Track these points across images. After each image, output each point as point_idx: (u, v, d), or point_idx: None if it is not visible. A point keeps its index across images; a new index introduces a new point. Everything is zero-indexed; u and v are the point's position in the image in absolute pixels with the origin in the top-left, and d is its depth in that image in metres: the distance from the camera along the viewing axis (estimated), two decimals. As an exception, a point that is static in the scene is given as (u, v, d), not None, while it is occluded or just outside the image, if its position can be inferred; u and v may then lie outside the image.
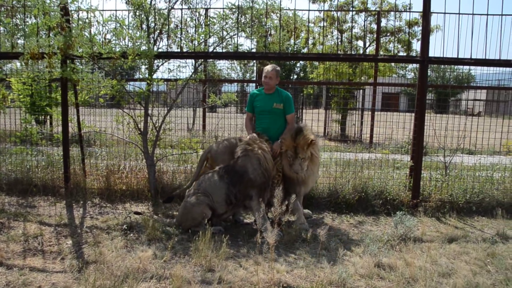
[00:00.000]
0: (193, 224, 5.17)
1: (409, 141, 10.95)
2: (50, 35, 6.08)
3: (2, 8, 5.40)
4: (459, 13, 6.45)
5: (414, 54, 15.41)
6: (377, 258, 4.28)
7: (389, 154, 8.86)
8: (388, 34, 16.50)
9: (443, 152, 7.51)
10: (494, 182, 7.02)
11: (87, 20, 6.02)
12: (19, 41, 6.51)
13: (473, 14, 6.44)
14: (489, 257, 4.56)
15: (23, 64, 5.85)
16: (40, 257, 4.43)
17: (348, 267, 4.18)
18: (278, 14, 6.72)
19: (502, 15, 6.35)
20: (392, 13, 16.37)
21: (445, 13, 6.69)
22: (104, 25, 5.85)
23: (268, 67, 5.69)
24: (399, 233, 5.01)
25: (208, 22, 6.55)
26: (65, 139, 6.75)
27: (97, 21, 6.10)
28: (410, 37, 16.12)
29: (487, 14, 6.36)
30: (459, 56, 6.33)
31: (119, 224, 5.43)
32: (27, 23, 6.26)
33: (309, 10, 13.71)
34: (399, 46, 17.03)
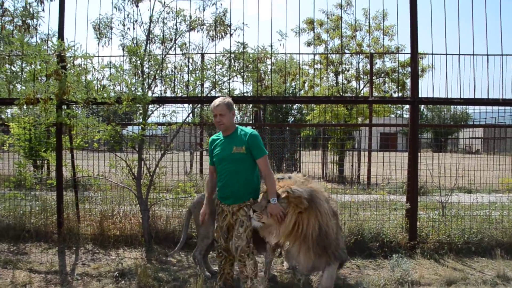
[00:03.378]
0: None
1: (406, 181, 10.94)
2: (49, 80, 6.19)
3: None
4: (446, 54, 6.59)
5: (409, 93, 15.64)
6: (373, 303, 4.17)
7: (386, 195, 8.83)
8: (383, 75, 16.78)
9: (439, 192, 7.46)
10: (492, 221, 6.94)
11: (83, 67, 6.13)
12: (18, 87, 6.62)
13: (459, 54, 6.57)
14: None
15: (20, 109, 5.92)
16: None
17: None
18: (270, 60, 6.86)
19: (487, 55, 6.49)
20: (387, 54, 16.72)
21: (432, 54, 6.85)
22: (100, 71, 5.96)
23: (215, 102, 4.37)
24: (396, 277, 4.91)
25: (202, 67, 6.69)
26: (59, 184, 6.72)
27: (93, 67, 6.23)
28: (404, 78, 16.38)
29: (473, 55, 6.51)
30: (450, 96, 6.43)
31: (111, 271, 5.34)
32: (25, 70, 6.39)
33: (300, 54, 14.08)
34: (394, 86, 17.29)
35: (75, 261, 5.87)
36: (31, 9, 5.32)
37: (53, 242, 6.62)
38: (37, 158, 12.18)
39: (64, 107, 6.31)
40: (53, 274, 5.29)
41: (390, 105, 17.33)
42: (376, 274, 5.31)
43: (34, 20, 5.58)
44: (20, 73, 6.31)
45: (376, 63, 16.87)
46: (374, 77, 16.06)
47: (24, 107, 6.04)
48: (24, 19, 5.30)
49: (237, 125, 4.51)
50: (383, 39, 16.72)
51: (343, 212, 7.01)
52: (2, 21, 5.62)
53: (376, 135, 15.38)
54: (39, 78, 6.37)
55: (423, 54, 12.63)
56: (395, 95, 17.08)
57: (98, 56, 6.50)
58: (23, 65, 6.34)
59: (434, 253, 6.12)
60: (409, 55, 6.61)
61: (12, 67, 5.97)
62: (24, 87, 5.60)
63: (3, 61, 5.32)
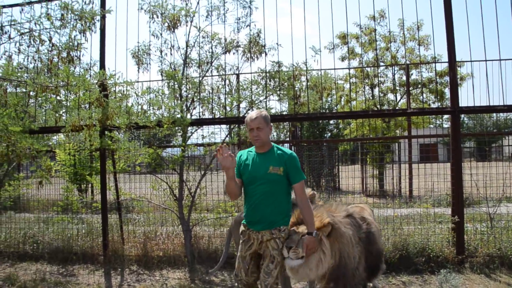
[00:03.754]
0: None
1: (450, 193, 10.62)
2: (92, 108, 6.45)
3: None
4: (486, 60, 6.44)
5: (448, 103, 15.29)
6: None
7: (430, 207, 8.59)
8: (419, 86, 16.49)
9: (486, 203, 7.20)
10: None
11: (124, 93, 6.36)
12: (63, 116, 6.94)
13: (500, 59, 6.40)
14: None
15: (65, 136, 6.18)
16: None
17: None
18: (305, 77, 6.89)
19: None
20: (423, 65, 16.46)
21: (471, 61, 6.71)
22: (140, 96, 6.17)
23: (252, 114, 3.88)
24: (444, 293, 4.75)
25: (238, 88, 6.80)
26: (104, 206, 6.94)
27: (134, 93, 6.46)
28: (442, 87, 16.05)
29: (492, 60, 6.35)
30: (492, 103, 6.25)
31: (155, 292, 5.42)
32: (69, 99, 6.69)
33: (335, 69, 14.02)
34: (432, 96, 16.95)
35: (120, 282, 6.01)
36: (75, 42, 5.58)
37: (99, 263, 6.80)
38: (81, 183, 12.61)
39: (107, 132, 6.55)
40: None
41: (429, 116, 16.97)
42: (423, 290, 5.17)
43: (77, 51, 5.84)
44: (65, 102, 6.61)
45: (412, 73, 16.60)
46: (410, 88, 15.80)
47: (70, 134, 6.32)
48: (69, 51, 5.57)
49: (272, 143, 4.03)
50: (419, 49, 16.47)
51: (386, 227, 6.87)
52: (50, 55, 5.92)
53: (415, 147, 15.04)
54: (83, 106, 6.66)
55: (461, 62, 12.36)
56: (433, 105, 16.73)
57: (138, 81, 6.72)
58: (68, 94, 6.65)
59: (484, 267, 5.89)
60: (447, 64, 6.49)
61: (58, 97, 6.25)
62: (69, 115, 5.84)
63: (51, 92, 5.58)
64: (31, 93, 6.37)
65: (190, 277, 6.11)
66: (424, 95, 17.49)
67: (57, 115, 6.47)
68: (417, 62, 15.14)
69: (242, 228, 3.93)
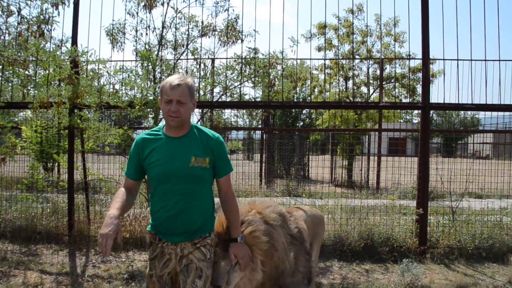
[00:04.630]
0: None
1: (416, 186, 10.90)
2: (62, 85, 6.29)
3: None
4: (457, 59, 6.58)
5: (419, 99, 15.62)
6: (382, 309, 4.18)
7: (396, 199, 8.80)
8: (392, 80, 16.76)
9: (449, 197, 7.44)
10: (504, 226, 6.91)
11: (96, 71, 6.22)
12: (31, 92, 6.73)
13: (471, 60, 6.58)
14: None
15: (33, 112, 6.01)
16: None
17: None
18: (281, 65, 6.90)
19: (500, 60, 6.48)
20: (397, 60, 16.72)
21: (444, 59, 6.86)
22: (113, 76, 6.05)
23: (173, 79, 2.77)
24: (405, 282, 4.91)
25: (213, 72, 6.75)
26: (70, 186, 6.80)
27: (107, 72, 6.33)
28: (414, 83, 16.37)
29: (485, 60, 6.52)
30: (461, 101, 6.43)
31: (121, 273, 5.39)
32: (39, 75, 6.49)
33: (311, 59, 14.04)
34: (404, 92, 17.27)
35: (85, 263, 5.93)
36: (46, 15, 5.40)
37: (63, 244, 6.69)
38: (48, 161, 12.33)
39: (77, 111, 6.40)
40: (64, 276, 5.36)
41: (400, 110, 17.31)
42: (385, 279, 5.32)
43: (49, 25, 5.66)
44: (34, 77, 6.41)
45: (386, 68, 16.85)
46: (384, 83, 16.05)
47: (38, 111, 6.14)
48: (39, 24, 5.39)
49: (192, 122, 2.98)
50: (394, 45, 16.72)
51: (352, 217, 7.00)
52: (20, 28, 5.72)
53: (385, 140, 15.36)
54: (52, 83, 6.47)
55: (434, 60, 12.61)
56: (405, 100, 17.06)
57: (111, 61, 6.58)
58: (38, 69, 6.45)
59: (444, 258, 6.10)
60: (420, 60, 6.61)
61: (26, 72, 6.06)
62: (37, 92, 5.67)
63: (19, 66, 5.40)
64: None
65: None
66: (397, 90, 17.81)
67: (24, 90, 6.28)
68: (392, 57, 15.36)
69: (149, 239, 2.94)
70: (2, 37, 6.12)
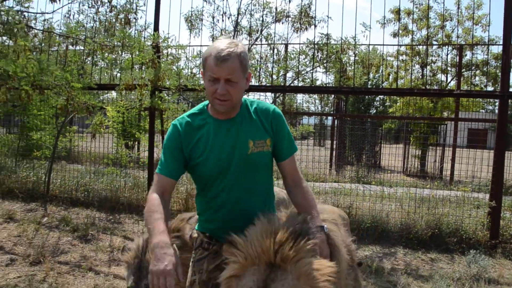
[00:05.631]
0: None
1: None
2: (143, 69, 6.80)
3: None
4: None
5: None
6: (444, 294, 4.23)
7: (469, 191, 8.54)
8: (473, 68, 15.96)
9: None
10: None
11: (176, 56, 6.66)
12: (117, 74, 7.35)
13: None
14: None
15: (119, 93, 6.58)
16: (122, 267, 4.90)
17: (413, 301, 4.17)
18: (353, 51, 6.94)
19: None
20: (478, 46, 15.91)
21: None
22: (191, 60, 6.45)
23: (219, 47, 2.06)
24: (472, 273, 4.87)
25: (286, 57, 6.95)
26: (151, 162, 7.37)
27: (186, 56, 6.75)
28: (497, 71, 15.48)
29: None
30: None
31: (194, 244, 5.82)
32: (123, 59, 7.06)
33: (383, 45, 13.68)
34: (485, 80, 16.39)
35: (162, 233, 6.45)
36: (133, 4, 5.88)
37: (143, 215, 7.27)
38: (129, 140, 13.25)
39: (157, 93, 6.89)
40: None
41: (480, 99, 16.50)
42: (450, 268, 5.29)
43: (135, 13, 6.15)
44: (119, 61, 6.98)
45: (466, 55, 16.06)
46: (463, 70, 15.34)
47: (123, 92, 6.71)
48: (127, 13, 5.88)
49: (244, 97, 2.38)
50: (475, 29, 15.85)
51: (421, 206, 6.94)
52: (109, 16, 6.27)
53: (463, 130, 14.71)
54: (136, 67, 7.01)
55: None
56: (489, 89, 16.20)
57: (190, 45, 6.99)
58: (124, 54, 7.01)
59: (517, 254, 5.92)
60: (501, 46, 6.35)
61: (113, 56, 6.62)
62: (123, 75, 6.20)
63: (107, 51, 5.94)
64: (87, 51, 6.79)
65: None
66: (477, 78, 16.94)
67: (112, 73, 6.86)
68: (471, 44, 14.63)
69: (198, 240, 2.40)
70: (94, 25, 6.74)
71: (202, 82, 6.41)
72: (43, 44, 6.59)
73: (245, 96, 2.37)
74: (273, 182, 2.38)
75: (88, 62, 7.28)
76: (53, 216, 6.75)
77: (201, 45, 10.12)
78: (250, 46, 7.07)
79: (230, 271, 1.83)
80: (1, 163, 9.26)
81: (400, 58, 16.84)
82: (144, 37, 6.96)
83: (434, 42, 16.70)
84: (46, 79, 4.67)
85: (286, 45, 8.89)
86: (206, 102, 2.32)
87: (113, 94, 10.79)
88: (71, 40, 5.89)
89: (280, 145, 2.31)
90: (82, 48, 6.94)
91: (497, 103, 18.20)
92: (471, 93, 7.90)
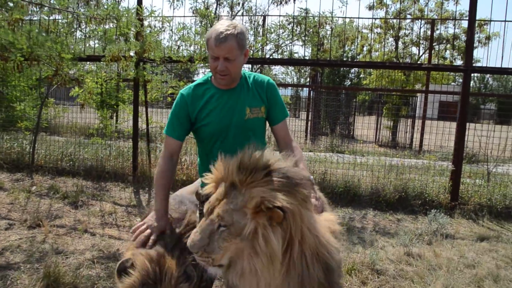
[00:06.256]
0: None
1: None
2: (128, 41, 6.98)
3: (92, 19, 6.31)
4: (505, 21, 6.71)
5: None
6: (408, 248, 4.75)
7: (435, 160, 9.13)
8: (444, 42, 16.50)
9: (487, 160, 7.74)
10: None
11: (160, 29, 6.86)
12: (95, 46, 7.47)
13: (505, 21, 6.68)
14: (517, 255, 4.88)
15: (104, 65, 6.75)
16: (115, 229, 5.25)
17: (380, 253, 4.67)
18: (330, 25, 7.27)
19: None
20: (449, 21, 16.38)
21: (491, 20, 6.98)
22: (176, 33, 6.67)
23: (218, 30, 2.42)
24: (432, 229, 5.42)
25: (265, 30, 7.23)
26: (135, 132, 7.64)
27: (170, 29, 6.96)
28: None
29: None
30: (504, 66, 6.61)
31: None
32: (108, 31, 7.20)
33: (359, 18, 13.99)
34: (456, 54, 16.98)
35: (149, 199, 6.80)
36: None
37: (128, 182, 7.58)
38: (106, 111, 13.37)
39: (141, 64, 7.10)
40: (132, 207, 6.23)
41: (450, 73, 17.12)
42: (414, 226, 5.84)
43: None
44: (106, 33, 7.12)
45: (438, 29, 16.56)
46: (434, 44, 15.86)
47: (109, 63, 6.89)
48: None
49: (243, 70, 2.74)
50: (446, 3, 16.30)
51: (390, 172, 7.47)
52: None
53: (434, 103, 15.34)
54: (121, 39, 7.17)
55: (482, 20, 12.36)
56: (458, 63, 16.80)
57: (174, 17, 7.17)
58: (108, 26, 7.14)
59: (473, 214, 6.50)
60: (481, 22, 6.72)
61: (101, 27, 6.76)
62: (110, 46, 6.38)
63: (97, 23, 6.11)
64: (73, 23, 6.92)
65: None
66: (448, 52, 17.51)
67: (92, 44, 7.01)
68: (442, 18, 15.10)
69: (205, 194, 2.18)
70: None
71: (186, 54, 6.66)
72: (35, 18, 6.71)
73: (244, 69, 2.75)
74: (266, 145, 2.52)
75: (75, 34, 7.41)
76: (41, 185, 6.99)
77: (184, 16, 10.19)
78: (231, 18, 7.30)
79: (206, 189, 2.11)
80: (-18, 134, 9.34)
81: (375, 31, 17.23)
82: (127, 8, 7.10)
83: (408, 16, 17.12)
84: (40, 51, 4.84)
85: (265, 17, 9.15)
86: (210, 74, 2.68)
87: (91, 66, 10.88)
88: (59, 12, 6.02)
89: (273, 111, 2.70)
90: (66, 20, 7.07)
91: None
92: (438, 67, 8.38)
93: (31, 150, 8.08)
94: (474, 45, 15.74)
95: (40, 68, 6.60)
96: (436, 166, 8.63)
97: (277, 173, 1.95)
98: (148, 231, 2.36)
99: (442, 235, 5.34)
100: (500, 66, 6.58)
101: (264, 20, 8.93)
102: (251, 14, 7.60)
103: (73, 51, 5.90)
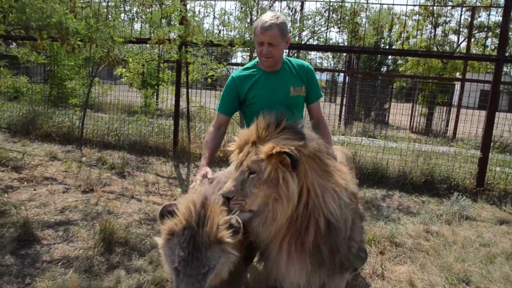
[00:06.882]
0: None
1: (497, 139, 11.18)
2: (174, 24, 7.45)
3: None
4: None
5: None
6: (427, 226, 5.08)
7: (466, 148, 9.25)
8: (485, 30, 16.25)
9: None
10: None
11: (204, 14, 7.30)
12: (143, 28, 7.99)
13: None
14: (534, 238, 5.11)
15: (152, 47, 7.27)
16: (158, 197, 5.81)
17: (400, 228, 5.02)
18: (366, 13, 7.52)
19: None
20: (492, 8, 16.09)
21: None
22: (218, 18, 7.10)
23: (264, 20, 2.91)
24: (453, 210, 5.69)
25: (302, 16, 7.55)
26: (176, 111, 8.17)
27: (214, 15, 7.40)
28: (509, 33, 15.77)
29: None
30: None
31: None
32: (153, 14, 7.70)
33: (393, 4, 14.03)
34: (497, 42, 16.69)
35: (187, 172, 7.33)
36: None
37: (169, 157, 8.14)
38: (153, 90, 14.04)
39: (184, 47, 7.57)
40: (173, 179, 6.78)
41: (481, 61, 16.86)
42: (437, 208, 6.12)
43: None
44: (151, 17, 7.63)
45: (480, 16, 16.32)
46: (475, 31, 15.66)
47: (155, 45, 7.39)
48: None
49: (284, 57, 3.19)
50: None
51: (418, 157, 7.70)
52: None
53: (475, 91, 15.20)
54: (162, 22, 7.65)
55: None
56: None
57: (216, 0, 7.58)
58: (153, 10, 7.65)
59: (497, 200, 6.69)
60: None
61: (148, 10, 7.26)
62: (156, 30, 6.87)
63: (148, 7, 6.61)
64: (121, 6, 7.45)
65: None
66: (490, 40, 17.23)
67: (139, 27, 7.52)
68: (483, 6, 14.87)
69: None
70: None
71: (226, 38, 7.08)
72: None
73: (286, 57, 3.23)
74: (303, 119, 2.96)
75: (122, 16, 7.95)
76: (90, 157, 7.64)
77: (225, 0, 10.58)
78: (270, 5, 7.66)
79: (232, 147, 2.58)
80: (37, 110, 10.09)
81: (414, 18, 17.14)
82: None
83: (450, 2, 16.92)
84: (96, 35, 5.37)
85: (303, 3, 9.44)
86: (256, 60, 3.19)
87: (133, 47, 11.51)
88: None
89: (310, 92, 3.18)
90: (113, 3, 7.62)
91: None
92: (470, 56, 8.46)
93: (80, 124, 8.76)
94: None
95: (91, 49, 7.16)
96: (465, 153, 8.78)
97: (289, 129, 2.40)
98: (198, 178, 2.70)
99: (462, 217, 5.61)
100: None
101: (302, 7, 9.21)
102: (288, 1, 7.91)
103: (124, 35, 6.41)
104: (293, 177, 2.25)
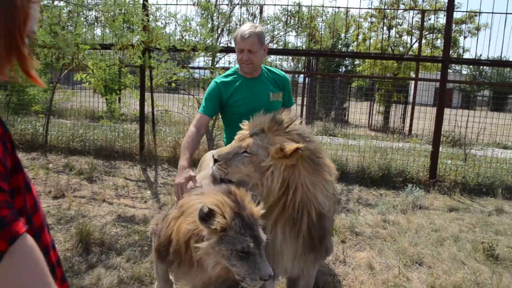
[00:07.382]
0: None
1: (449, 134, 11.85)
2: (136, 31, 7.59)
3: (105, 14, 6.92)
4: (479, 12, 7.31)
5: (460, 51, 16.07)
6: (384, 216, 5.48)
7: (419, 143, 9.83)
8: (435, 31, 17.12)
9: (464, 145, 8.45)
10: (507, 169, 7.88)
11: (166, 21, 7.48)
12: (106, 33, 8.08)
13: (492, 12, 7.25)
14: (479, 222, 5.59)
15: (115, 53, 7.39)
16: (129, 199, 5.96)
17: (360, 219, 5.40)
18: (322, 17, 7.92)
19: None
20: (440, 11, 16.97)
21: (467, 11, 7.61)
22: (181, 25, 7.30)
23: (243, 30, 3.18)
24: (408, 201, 6.13)
25: (261, 20, 7.86)
26: (142, 115, 8.30)
27: (176, 22, 7.60)
28: (456, 35, 16.69)
29: (506, 13, 7.22)
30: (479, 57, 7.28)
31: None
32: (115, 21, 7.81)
33: (347, 8, 14.55)
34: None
35: (155, 176, 7.49)
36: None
37: (136, 161, 8.26)
38: (113, 95, 13.99)
39: (147, 53, 7.72)
40: (141, 182, 6.93)
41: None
42: (393, 199, 6.56)
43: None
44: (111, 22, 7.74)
45: (430, 19, 17.17)
46: (426, 33, 16.47)
47: (118, 51, 7.51)
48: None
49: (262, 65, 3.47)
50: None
51: (376, 153, 8.16)
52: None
53: (429, 90, 15.95)
54: (125, 29, 7.78)
55: (458, 11, 12.98)
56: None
57: (176, 5, 7.75)
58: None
59: (448, 190, 7.21)
60: (465, 13, 7.35)
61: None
62: (121, 37, 7.00)
63: (112, 18, 6.73)
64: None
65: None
66: (439, 41, 18.12)
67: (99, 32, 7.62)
68: (431, 9, 15.69)
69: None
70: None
71: (188, 43, 7.29)
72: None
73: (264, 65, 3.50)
74: None
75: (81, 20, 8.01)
76: (57, 163, 7.67)
77: (186, 4, 10.74)
78: (230, 10, 7.93)
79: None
80: (-3, 117, 9.93)
81: (369, 20, 17.83)
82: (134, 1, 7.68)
83: (402, 5, 17.72)
84: (62, 44, 5.47)
85: (261, 8, 9.76)
86: (237, 66, 3.43)
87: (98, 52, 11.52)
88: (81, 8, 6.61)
89: (285, 99, 3.51)
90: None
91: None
92: (418, 58, 9.05)
93: (44, 131, 8.74)
94: (465, 35, 16.43)
95: (53, 56, 7.20)
96: (419, 148, 9.33)
97: (294, 130, 2.63)
98: (178, 189, 2.69)
99: (416, 206, 6.07)
100: (474, 57, 7.26)
101: (261, 11, 9.50)
102: (249, 3, 8.21)
103: (86, 40, 6.51)
104: (280, 175, 2.49)
